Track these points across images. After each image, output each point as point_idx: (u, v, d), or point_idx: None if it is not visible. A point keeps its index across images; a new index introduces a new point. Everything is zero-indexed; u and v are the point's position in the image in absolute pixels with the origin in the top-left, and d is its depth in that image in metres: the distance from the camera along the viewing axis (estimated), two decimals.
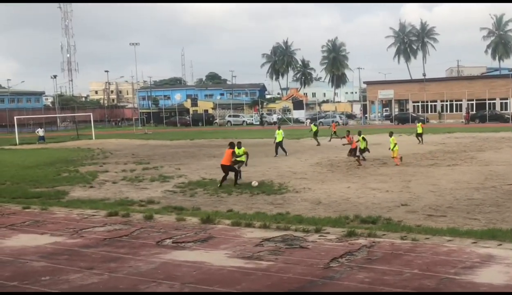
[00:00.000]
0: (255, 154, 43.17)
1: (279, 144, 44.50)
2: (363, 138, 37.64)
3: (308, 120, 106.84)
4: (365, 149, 37.68)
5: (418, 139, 53.53)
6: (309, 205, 22.37)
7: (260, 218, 19.03)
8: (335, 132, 63.54)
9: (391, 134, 37.23)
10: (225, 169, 28.58)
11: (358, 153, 36.94)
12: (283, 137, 45.14)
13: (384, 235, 16.18)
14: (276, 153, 44.07)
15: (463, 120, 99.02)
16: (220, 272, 13.24)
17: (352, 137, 39.07)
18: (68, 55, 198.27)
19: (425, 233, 16.22)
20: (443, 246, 14.81)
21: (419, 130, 53.90)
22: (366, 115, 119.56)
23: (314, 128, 59.23)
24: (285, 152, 44.00)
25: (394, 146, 35.50)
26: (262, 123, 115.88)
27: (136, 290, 12.09)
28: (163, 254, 14.97)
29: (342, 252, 14.46)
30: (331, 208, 21.52)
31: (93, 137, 79.66)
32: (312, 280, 12.37)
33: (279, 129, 45.60)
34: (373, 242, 15.36)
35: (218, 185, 27.83)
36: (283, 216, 19.65)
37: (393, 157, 35.80)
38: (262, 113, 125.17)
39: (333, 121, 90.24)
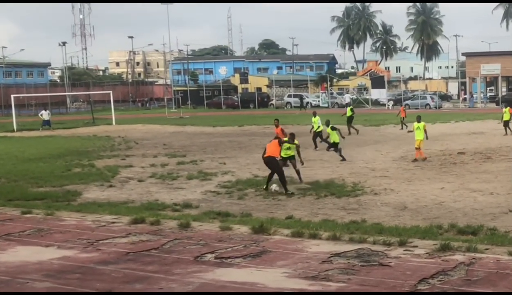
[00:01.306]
0: (323, 145, 43.12)
1: (319, 135, 44.44)
2: (332, 129, 37.12)
3: (391, 103, 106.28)
4: (336, 144, 37.51)
5: (505, 129, 51.75)
6: (392, 211, 22.34)
7: (329, 227, 19.00)
8: (404, 118, 62.69)
9: (418, 119, 36.97)
10: (270, 164, 27.58)
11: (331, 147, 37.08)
12: (319, 126, 44.92)
13: (487, 249, 16.03)
14: (316, 145, 44.28)
15: None
16: None
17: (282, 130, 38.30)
18: (81, 16, 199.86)
19: None
20: None
21: (506, 117, 52.29)
22: (471, 96, 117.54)
23: (349, 113, 58.86)
24: (316, 145, 44.38)
25: (423, 134, 35.80)
26: (302, 106, 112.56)
27: None
28: (204, 273, 14.88)
29: (434, 271, 14.36)
30: (419, 215, 21.47)
31: (113, 122, 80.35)
32: None
33: (315, 117, 45.66)
34: (474, 259, 15.23)
35: (264, 187, 27.50)
36: (358, 224, 19.61)
37: (416, 148, 36.01)
38: (302, 96, 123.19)
39: (401, 105, 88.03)
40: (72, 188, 28.89)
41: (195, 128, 69.00)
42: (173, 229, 19.49)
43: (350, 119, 57.38)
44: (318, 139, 43.93)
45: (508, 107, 54.21)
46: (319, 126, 45.03)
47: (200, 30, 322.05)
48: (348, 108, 61.64)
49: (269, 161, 27.44)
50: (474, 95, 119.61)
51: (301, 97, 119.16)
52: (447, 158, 36.61)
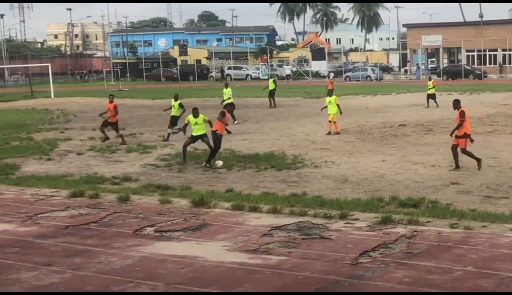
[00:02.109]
0: (263, 118, 43.26)
1: (229, 106, 43.17)
2: (180, 105, 37.15)
3: (332, 75, 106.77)
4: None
5: (428, 102, 51.53)
6: (333, 184, 22.43)
7: (269, 200, 19.08)
8: (331, 90, 62.35)
9: (330, 93, 37.57)
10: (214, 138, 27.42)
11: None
12: (229, 97, 44.62)
13: (428, 222, 16.21)
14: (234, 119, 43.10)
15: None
16: (217, 269, 13.25)
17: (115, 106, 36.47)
18: None
19: (482, 220, 16.25)
20: (505, 237, 14.84)
21: (431, 91, 51.55)
22: (418, 68, 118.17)
23: (272, 86, 58.45)
24: (234, 119, 43.05)
25: (335, 108, 36.17)
26: (222, 77, 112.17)
27: (108, 292, 12.04)
28: (143, 246, 14.93)
29: (375, 244, 14.49)
30: (360, 188, 21.60)
31: (52, 95, 79.87)
32: (336, 280, 12.41)
33: (226, 88, 45.35)
34: (415, 231, 15.39)
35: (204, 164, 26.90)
36: (299, 197, 19.70)
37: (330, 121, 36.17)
38: (222, 67, 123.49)
39: (329, 76, 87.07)
40: (11, 161, 28.75)
41: (134, 101, 68.75)
42: (112, 203, 19.52)
43: (272, 92, 57.16)
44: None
45: (432, 80, 53.89)
46: (229, 98, 44.78)
47: (139, 3, 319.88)
48: (271, 81, 61.30)
49: (213, 136, 27.29)
50: (422, 67, 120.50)
51: (221, 70, 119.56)
52: (388, 130, 36.87)
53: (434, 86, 51.64)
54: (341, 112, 37.03)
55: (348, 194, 20.37)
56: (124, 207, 18.89)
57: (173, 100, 37.58)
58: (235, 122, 42.49)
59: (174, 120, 37.19)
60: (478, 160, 23.78)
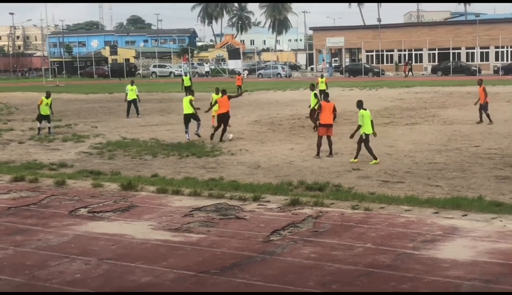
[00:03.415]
0: (179, 110, 43.01)
1: (133, 102, 43.14)
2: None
3: (246, 72, 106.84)
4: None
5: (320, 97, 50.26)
6: (247, 169, 22.39)
7: (190, 184, 19.02)
8: (240, 86, 62.66)
9: (217, 91, 36.24)
10: (227, 118, 30.39)
11: None
12: (137, 94, 43.48)
13: (332, 204, 16.29)
14: (128, 114, 42.98)
15: (402, 72, 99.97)
16: (143, 246, 13.22)
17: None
18: None
19: (380, 202, 16.41)
20: (400, 217, 14.99)
21: (322, 87, 47.48)
22: (330, 65, 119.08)
23: (188, 83, 58.97)
24: (138, 113, 43.14)
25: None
26: (119, 75, 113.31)
27: (46, 266, 11.95)
28: (77, 226, 14.86)
29: (285, 224, 14.51)
30: (272, 173, 21.57)
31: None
32: (250, 256, 12.38)
33: (132, 85, 43.92)
34: (320, 212, 15.44)
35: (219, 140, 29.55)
36: (216, 181, 19.64)
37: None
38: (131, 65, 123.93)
39: (238, 73, 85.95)
40: None
41: (69, 96, 67.83)
42: (50, 186, 19.34)
43: (188, 88, 56.83)
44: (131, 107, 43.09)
45: (325, 77, 52.44)
46: (132, 94, 43.33)
47: (74, 7, 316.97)
48: (186, 78, 61.74)
49: (228, 116, 30.32)
50: (319, 65, 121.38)
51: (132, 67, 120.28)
52: (296, 121, 37.01)
53: (326, 83, 50.99)
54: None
55: (260, 178, 20.35)
56: (61, 190, 18.74)
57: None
58: (139, 116, 42.72)
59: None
60: (356, 157, 23.87)
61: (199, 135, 31.01)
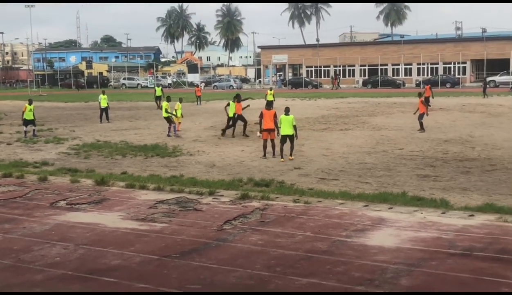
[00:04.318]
0: (151, 117, 42.98)
1: (105, 110, 42.90)
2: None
3: (203, 84, 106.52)
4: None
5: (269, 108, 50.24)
6: (203, 168, 22.32)
7: (154, 180, 18.98)
8: (199, 97, 63.22)
9: (180, 100, 36.47)
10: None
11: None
12: (107, 103, 43.05)
13: (277, 197, 16.31)
14: (101, 120, 42.73)
15: (332, 85, 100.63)
16: (114, 233, 13.18)
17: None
18: None
19: (317, 196, 16.45)
20: (335, 209, 15.05)
21: (270, 98, 48.34)
22: (280, 78, 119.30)
23: (159, 93, 58.59)
24: (108, 119, 42.71)
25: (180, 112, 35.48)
26: (78, 87, 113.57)
27: (30, 251, 11.91)
28: (57, 216, 14.80)
29: (236, 215, 14.51)
30: (225, 171, 21.54)
31: None
32: (206, 242, 12.37)
33: (103, 94, 43.59)
34: (266, 205, 15.47)
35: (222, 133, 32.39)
36: (177, 178, 19.57)
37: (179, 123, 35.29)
38: (77, 79, 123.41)
39: (197, 85, 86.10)
40: None
41: (51, 104, 67.15)
42: (34, 182, 19.23)
43: (158, 97, 56.71)
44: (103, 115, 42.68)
45: (272, 90, 53.96)
46: (103, 103, 42.89)
47: (56, 28, 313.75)
48: (158, 88, 61.65)
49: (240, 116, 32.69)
50: (266, 79, 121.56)
51: (77, 80, 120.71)
52: (247, 127, 36.96)
53: (273, 95, 51.38)
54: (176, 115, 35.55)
55: (215, 176, 20.31)
56: (43, 185, 18.61)
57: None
58: (109, 121, 42.31)
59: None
60: (264, 155, 24.51)
61: (177, 136, 32.41)
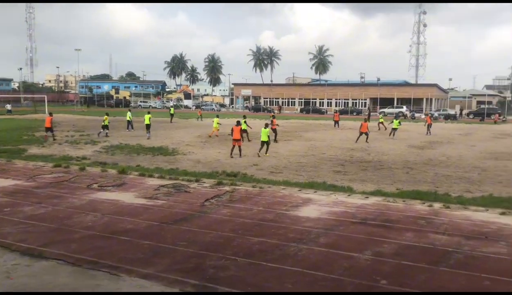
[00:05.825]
0: (156, 128, 42.56)
1: (129, 122, 42.36)
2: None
3: (194, 106, 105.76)
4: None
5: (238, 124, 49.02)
6: (192, 163, 22.17)
7: (158, 171, 18.79)
8: (200, 116, 63.02)
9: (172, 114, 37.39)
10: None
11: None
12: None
13: (241, 184, 16.28)
14: (128, 128, 41.89)
15: (278, 111, 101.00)
16: (129, 207, 13.02)
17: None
18: (31, 54, 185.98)
19: (268, 183, 16.46)
20: (279, 192, 15.06)
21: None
22: (234, 105, 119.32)
23: (172, 112, 57.94)
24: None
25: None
26: (87, 103, 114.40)
27: (71, 218, 11.76)
28: (91, 194, 14.57)
29: (213, 195, 14.45)
30: (207, 166, 21.43)
31: (46, 112, 75.18)
32: (192, 214, 12.32)
33: (130, 111, 44.04)
34: (234, 189, 15.42)
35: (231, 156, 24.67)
36: (174, 170, 19.41)
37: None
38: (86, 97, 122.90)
39: (198, 107, 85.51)
40: (22, 147, 27.42)
41: (90, 117, 66.01)
42: (76, 170, 18.95)
43: (172, 115, 56.43)
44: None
45: (246, 118, 52.39)
46: (128, 117, 42.88)
47: (95, 65, 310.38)
48: (172, 108, 60.81)
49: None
50: (237, 105, 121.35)
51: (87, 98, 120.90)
52: (223, 136, 36.82)
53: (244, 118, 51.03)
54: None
55: (200, 169, 20.19)
56: (82, 173, 18.33)
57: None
58: (130, 130, 41.37)
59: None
60: (231, 155, 24.66)
61: (148, 138, 33.55)
